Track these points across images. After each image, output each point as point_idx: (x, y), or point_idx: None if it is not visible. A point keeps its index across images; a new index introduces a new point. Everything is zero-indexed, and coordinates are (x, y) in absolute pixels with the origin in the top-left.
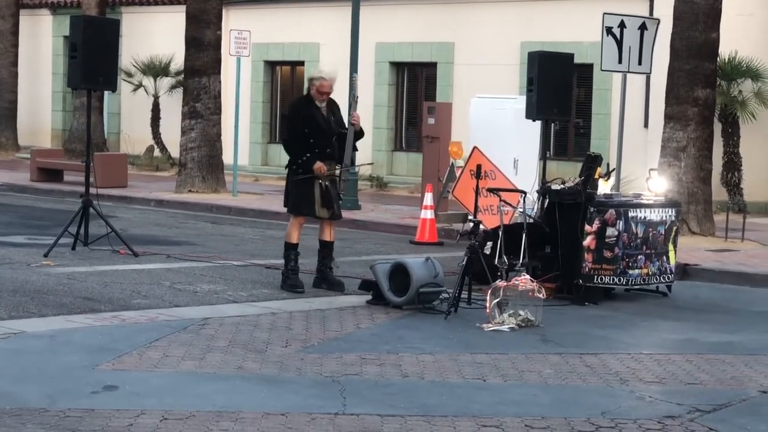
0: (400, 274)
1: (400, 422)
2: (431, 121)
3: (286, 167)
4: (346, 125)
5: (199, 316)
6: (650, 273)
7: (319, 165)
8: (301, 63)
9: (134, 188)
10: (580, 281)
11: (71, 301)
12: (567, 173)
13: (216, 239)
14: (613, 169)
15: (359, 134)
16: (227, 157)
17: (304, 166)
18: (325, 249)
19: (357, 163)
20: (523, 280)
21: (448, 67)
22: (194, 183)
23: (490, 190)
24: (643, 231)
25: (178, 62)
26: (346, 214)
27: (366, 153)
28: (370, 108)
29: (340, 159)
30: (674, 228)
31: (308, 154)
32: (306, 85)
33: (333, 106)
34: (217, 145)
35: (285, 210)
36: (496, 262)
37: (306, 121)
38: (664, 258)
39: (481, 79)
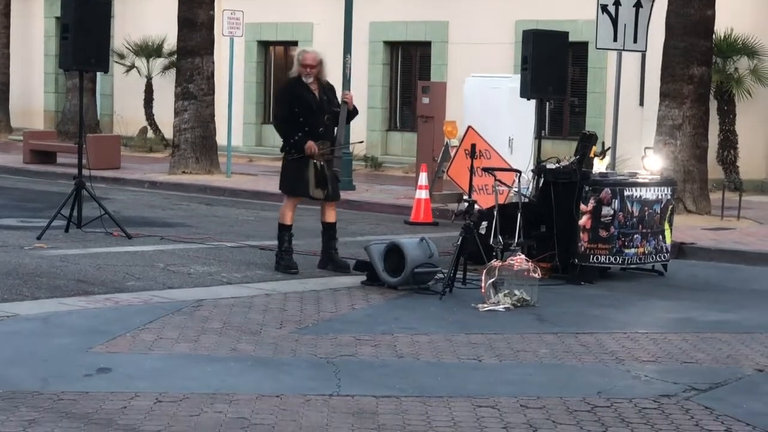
0: (394, 254)
1: (395, 403)
2: (426, 100)
3: (281, 150)
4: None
5: (192, 298)
6: (646, 252)
7: (309, 144)
8: (295, 43)
9: (127, 170)
10: (576, 261)
11: (64, 284)
12: (562, 152)
13: (210, 220)
14: (609, 148)
15: (352, 113)
16: (221, 138)
17: (295, 146)
18: (329, 230)
19: (350, 142)
20: (519, 260)
21: (443, 46)
22: (188, 164)
23: (485, 170)
24: (639, 210)
25: (171, 43)
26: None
27: (360, 133)
28: (364, 88)
29: (334, 139)
30: (670, 207)
31: (299, 134)
32: (294, 67)
33: (327, 88)
34: (210, 126)
35: (279, 191)
36: (491, 242)
37: (295, 100)
38: (660, 237)
39: (475, 58)
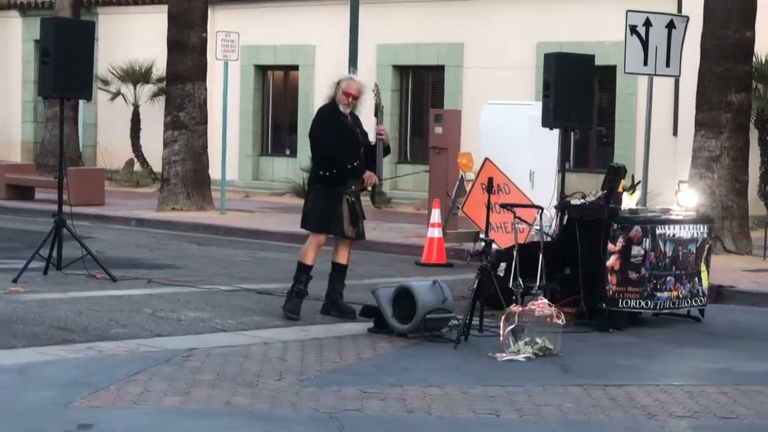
0: (404, 299)
1: None
2: (438, 130)
3: (310, 179)
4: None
5: (183, 347)
6: (680, 296)
7: (370, 174)
8: (295, 67)
9: (112, 206)
10: (604, 305)
11: (43, 331)
12: (588, 186)
13: (202, 262)
14: (639, 182)
15: (386, 150)
16: (214, 172)
17: (354, 173)
18: (339, 272)
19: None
20: (541, 305)
21: (457, 71)
22: (178, 200)
23: (504, 206)
24: (673, 250)
25: (160, 68)
26: None
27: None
28: (370, 116)
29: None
30: (707, 246)
31: (356, 162)
32: (332, 91)
33: (355, 118)
34: (203, 158)
35: (282, 228)
36: (510, 285)
37: (338, 128)
38: (696, 279)
39: (493, 83)
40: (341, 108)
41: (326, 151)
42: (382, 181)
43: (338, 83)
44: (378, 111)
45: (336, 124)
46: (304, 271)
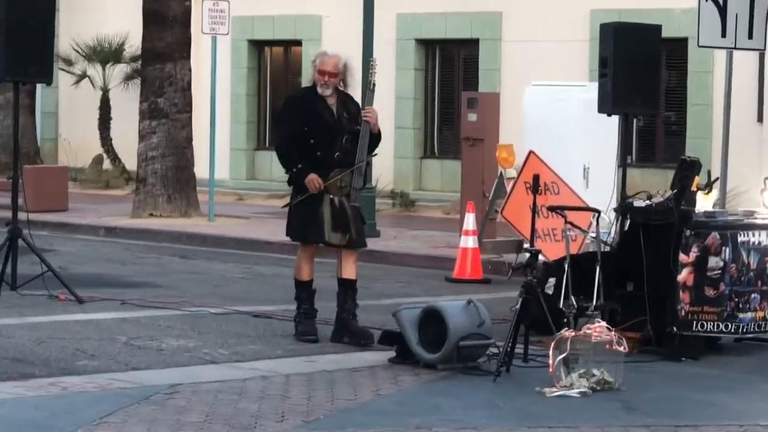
0: (433, 322)
1: None
2: (472, 117)
3: (288, 182)
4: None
5: (165, 382)
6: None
7: (311, 177)
8: (298, 42)
9: (78, 212)
10: (674, 329)
11: None
12: (654, 185)
13: (187, 279)
14: (717, 179)
15: (375, 138)
16: (201, 170)
17: (295, 179)
18: (346, 289)
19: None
20: (598, 329)
21: (494, 46)
22: (157, 204)
23: (552, 209)
24: (758, 261)
25: (134, 44)
26: None
27: (386, 161)
28: (390, 101)
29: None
30: None
31: (300, 165)
32: (310, 72)
33: (347, 99)
34: (186, 154)
35: (281, 238)
36: (561, 305)
37: (307, 117)
38: None
39: (538, 60)
40: (319, 90)
41: (278, 154)
42: (364, 174)
43: (313, 61)
44: (367, 90)
45: (301, 111)
46: (302, 289)
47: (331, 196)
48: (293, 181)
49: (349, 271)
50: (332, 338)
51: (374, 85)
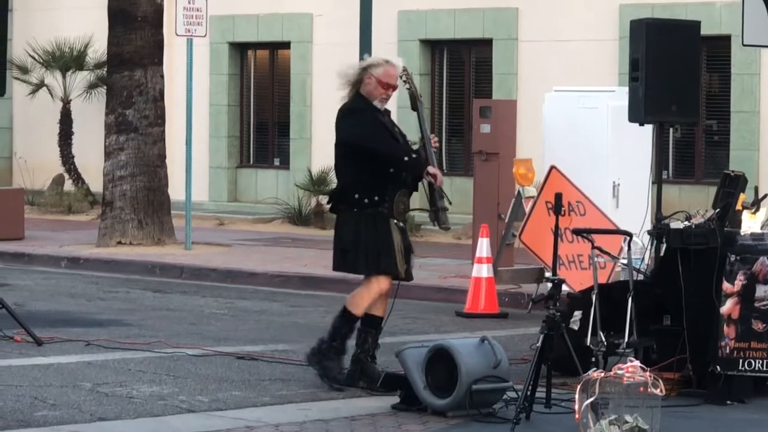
0: (442, 363)
1: None
2: (486, 128)
3: (339, 200)
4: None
5: None
6: None
7: (435, 169)
8: (286, 45)
9: (36, 240)
10: (718, 368)
11: None
12: (694, 203)
13: (160, 316)
14: (765, 195)
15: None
16: (176, 191)
17: (410, 165)
18: (371, 328)
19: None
20: (631, 369)
21: (510, 46)
22: (126, 231)
23: (578, 232)
24: None
25: (99, 49)
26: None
27: None
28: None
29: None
30: None
31: (412, 155)
32: (355, 79)
33: (389, 117)
34: (159, 173)
35: (268, 269)
36: (588, 343)
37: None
38: None
39: (559, 63)
40: (378, 104)
41: (378, 149)
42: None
43: (366, 68)
44: (417, 103)
45: (378, 126)
46: (352, 322)
47: (395, 221)
48: (407, 165)
49: (381, 307)
50: (346, 381)
51: (421, 96)
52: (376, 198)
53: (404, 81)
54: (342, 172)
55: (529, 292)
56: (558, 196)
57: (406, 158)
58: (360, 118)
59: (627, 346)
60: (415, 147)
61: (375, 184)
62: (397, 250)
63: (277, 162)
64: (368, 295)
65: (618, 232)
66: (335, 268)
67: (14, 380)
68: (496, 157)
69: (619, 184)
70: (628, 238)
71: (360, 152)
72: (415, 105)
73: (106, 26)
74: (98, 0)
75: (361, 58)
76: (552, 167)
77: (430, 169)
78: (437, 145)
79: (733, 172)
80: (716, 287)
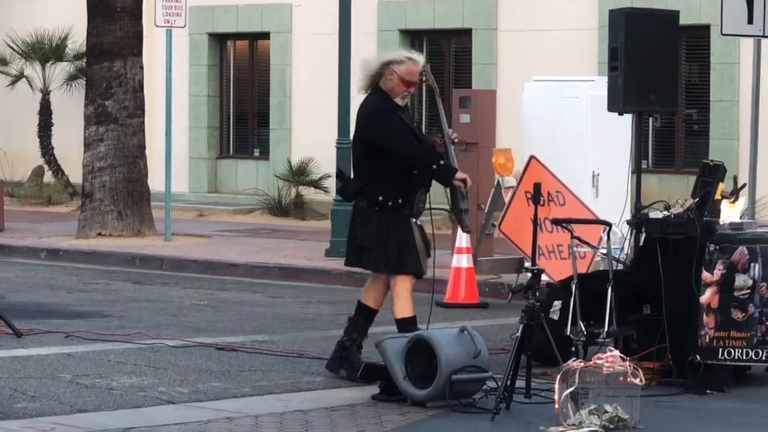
0: (421, 353)
1: None
2: (465, 118)
3: (361, 196)
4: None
5: (117, 426)
6: None
7: (463, 174)
8: (266, 35)
9: (15, 232)
10: (697, 357)
11: None
12: (674, 193)
13: (140, 307)
14: (744, 185)
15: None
16: (156, 182)
17: (440, 173)
18: (364, 319)
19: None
20: (611, 359)
21: (490, 36)
22: (106, 222)
23: (557, 222)
24: None
25: (78, 39)
26: (333, 262)
27: None
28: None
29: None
30: None
31: (440, 162)
32: (374, 73)
33: (408, 114)
34: (139, 164)
35: (248, 260)
36: (568, 332)
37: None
38: None
39: (539, 52)
40: (399, 101)
41: (406, 153)
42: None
43: (388, 64)
44: (436, 98)
45: (405, 129)
46: (406, 327)
47: (415, 220)
48: (437, 173)
49: (374, 299)
50: (328, 366)
51: (439, 92)
52: (400, 201)
53: (423, 80)
54: (365, 169)
55: (509, 282)
56: (537, 186)
57: (434, 166)
58: (387, 119)
59: (607, 336)
60: (433, 139)
61: (398, 185)
62: (419, 249)
63: (257, 153)
64: (403, 297)
65: (597, 221)
66: (348, 263)
67: None
68: (476, 147)
69: (598, 174)
70: (607, 227)
71: (385, 152)
72: (434, 100)
73: (86, 17)
74: None
75: (343, 49)
76: (531, 157)
77: (459, 175)
78: (456, 140)
79: (712, 161)
80: (695, 277)
